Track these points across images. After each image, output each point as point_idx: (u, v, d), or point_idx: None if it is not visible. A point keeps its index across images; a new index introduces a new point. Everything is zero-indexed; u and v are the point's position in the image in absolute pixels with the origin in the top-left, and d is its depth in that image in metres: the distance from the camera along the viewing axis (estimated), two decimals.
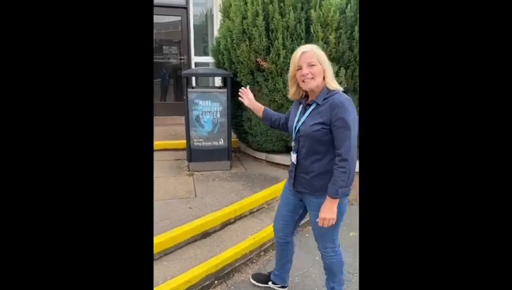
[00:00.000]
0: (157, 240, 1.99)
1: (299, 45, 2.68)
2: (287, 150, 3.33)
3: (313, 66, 1.27)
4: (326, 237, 1.48)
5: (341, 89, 1.32)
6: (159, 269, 1.90)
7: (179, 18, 5.15)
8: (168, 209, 2.39)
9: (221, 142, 3.21)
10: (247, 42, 2.81)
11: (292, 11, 2.63)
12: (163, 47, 5.49)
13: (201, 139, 3.15)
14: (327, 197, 1.30)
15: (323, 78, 1.29)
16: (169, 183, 2.86)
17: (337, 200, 1.29)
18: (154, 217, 2.34)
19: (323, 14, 2.58)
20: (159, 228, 2.14)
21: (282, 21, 2.68)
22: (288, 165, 3.31)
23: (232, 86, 3.06)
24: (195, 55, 5.22)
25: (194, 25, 5.17)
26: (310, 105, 1.36)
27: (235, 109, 3.31)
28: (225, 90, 3.07)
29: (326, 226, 1.33)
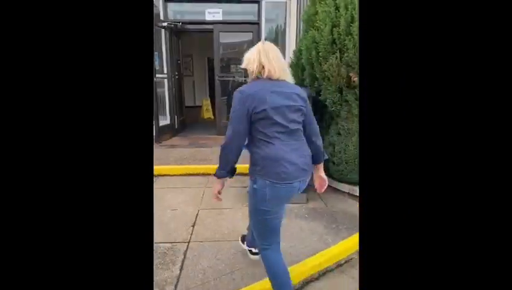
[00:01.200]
0: None
1: None
2: None
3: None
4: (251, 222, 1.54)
5: (248, 82, 1.42)
6: None
7: (249, 35, 4.98)
8: (236, 258, 1.96)
9: None
10: (338, 54, 2.34)
11: None
12: (231, 66, 5.43)
13: None
14: None
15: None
16: (236, 219, 2.46)
17: (217, 179, 1.41)
18: (220, 267, 1.87)
19: None
20: (227, 284, 1.71)
21: None
22: None
23: (314, 105, 2.60)
24: None
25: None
26: None
27: None
28: None
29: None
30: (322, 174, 1.55)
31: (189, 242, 2.11)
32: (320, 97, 2.61)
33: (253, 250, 1.83)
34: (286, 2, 4.95)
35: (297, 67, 2.94)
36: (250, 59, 1.38)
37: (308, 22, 2.67)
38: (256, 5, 4.96)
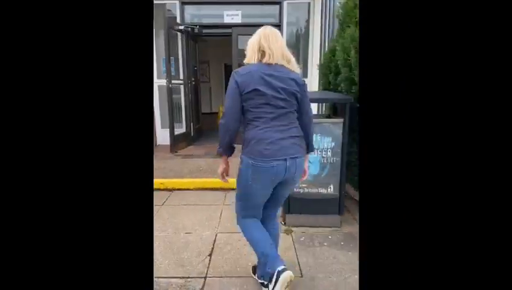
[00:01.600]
0: None
1: None
2: None
3: None
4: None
5: (246, 64, 1.40)
6: None
7: None
8: None
9: (331, 189, 2.36)
10: None
11: None
12: None
13: (303, 185, 2.35)
14: None
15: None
16: None
17: (221, 156, 1.49)
18: None
19: None
20: None
21: None
22: None
23: (351, 113, 2.24)
24: None
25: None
26: None
27: (349, 144, 2.45)
28: (341, 120, 2.26)
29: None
30: (305, 166, 1.53)
31: (205, 277, 1.77)
32: (358, 105, 2.24)
33: (265, 282, 1.64)
34: (309, 2, 4.63)
35: (327, 70, 2.58)
36: (251, 44, 1.40)
37: (345, 18, 2.31)
38: (277, 7, 4.67)
